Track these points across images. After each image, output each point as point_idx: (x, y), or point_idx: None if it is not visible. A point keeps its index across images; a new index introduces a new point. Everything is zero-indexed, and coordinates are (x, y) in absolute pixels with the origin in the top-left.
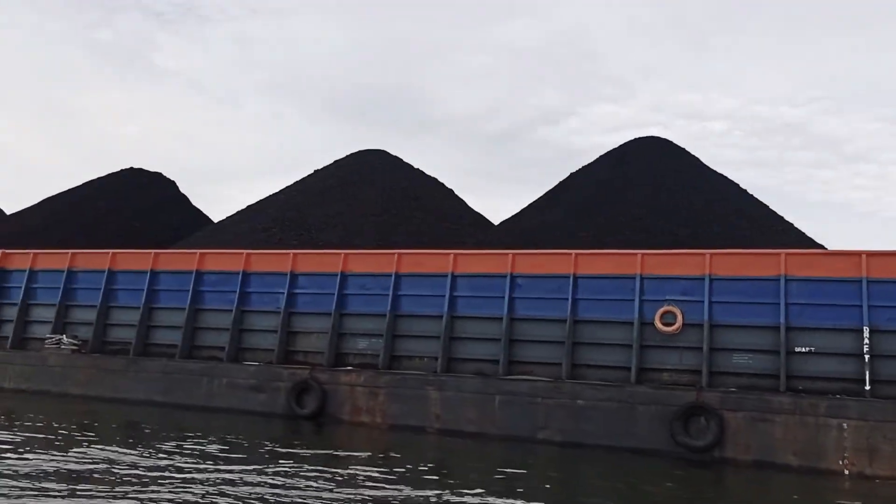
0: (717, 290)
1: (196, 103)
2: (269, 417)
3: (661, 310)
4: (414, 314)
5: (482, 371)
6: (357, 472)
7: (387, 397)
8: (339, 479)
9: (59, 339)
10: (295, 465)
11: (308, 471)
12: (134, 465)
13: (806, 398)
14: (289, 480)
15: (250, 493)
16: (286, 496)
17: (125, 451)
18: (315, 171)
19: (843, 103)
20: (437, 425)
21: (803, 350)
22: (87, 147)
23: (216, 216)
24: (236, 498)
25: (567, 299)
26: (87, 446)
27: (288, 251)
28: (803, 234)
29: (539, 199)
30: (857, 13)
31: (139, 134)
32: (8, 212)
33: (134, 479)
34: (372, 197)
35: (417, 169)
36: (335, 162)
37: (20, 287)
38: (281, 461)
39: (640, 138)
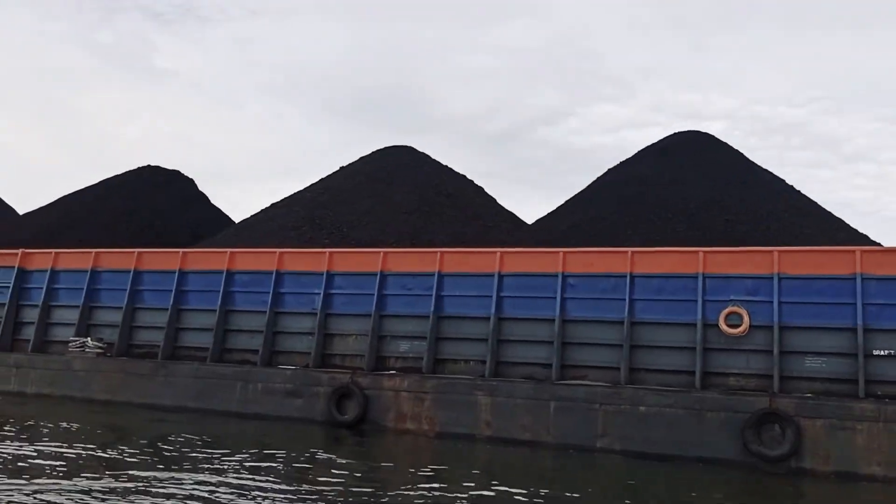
0: (786, 289)
1: (196, 104)
2: (307, 424)
3: (726, 310)
4: (458, 315)
5: (532, 375)
6: (410, 488)
7: (433, 403)
8: (396, 496)
9: (84, 342)
10: (344, 477)
11: (360, 483)
12: (176, 482)
13: (891, 404)
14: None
15: None
16: None
17: (162, 467)
18: (341, 167)
19: (842, 103)
20: (488, 433)
21: (882, 353)
22: (88, 148)
23: (233, 216)
24: None
25: (624, 300)
26: (121, 460)
27: (324, 250)
28: (856, 231)
29: (575, 196)
30: (856, 13)
31: (139, 134)
32: (20, 212)
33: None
34: (402, 194)
35: (445, 165)
36: (361, 158)
37: (41, 288)
38: (334, 471)
39: (681, 132)
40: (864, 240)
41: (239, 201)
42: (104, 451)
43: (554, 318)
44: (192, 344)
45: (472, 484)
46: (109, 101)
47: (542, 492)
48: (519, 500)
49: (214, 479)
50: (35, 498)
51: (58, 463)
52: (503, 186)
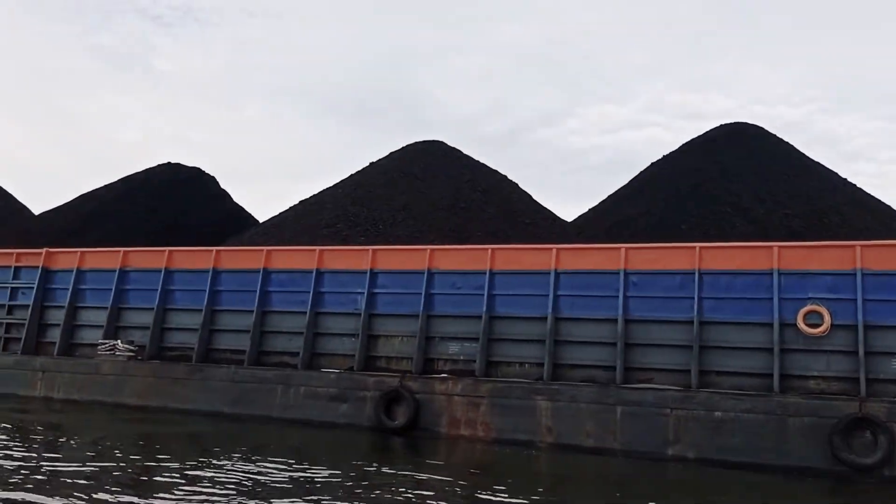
0: (869, 286)
1: (196, 106)
2: (353, 430)
3: (805, 309)
4: (512, 315)
5: (593, 378)
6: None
7: (489, 408)
8: None
9: (114, 345)
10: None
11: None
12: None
13: None
14: None
15: None
16: None
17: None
18: (371, 163)
19: (841, 103)
20: (549, 439)
21: None
22: (88, 150)
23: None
24: None
25: (692, 298)
26: (169, 479)
27: (366, 247)
28: None
29: (617, 191)
30: (855, 12)
31: (139, 137)
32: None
33: None
34: (438, 190)
35: (478, 161)
36: (390, 154)
37: (67, 289)
38: (389, 480)
39: (728, 124)
40: None
41: (243, 203)
42: (142, 464)
43: (616, 318)
44: (226, 346)
45: (542, 494)
46: (109, 104)
47: None
48: None
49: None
50: None
51: (92, 482)
52: None
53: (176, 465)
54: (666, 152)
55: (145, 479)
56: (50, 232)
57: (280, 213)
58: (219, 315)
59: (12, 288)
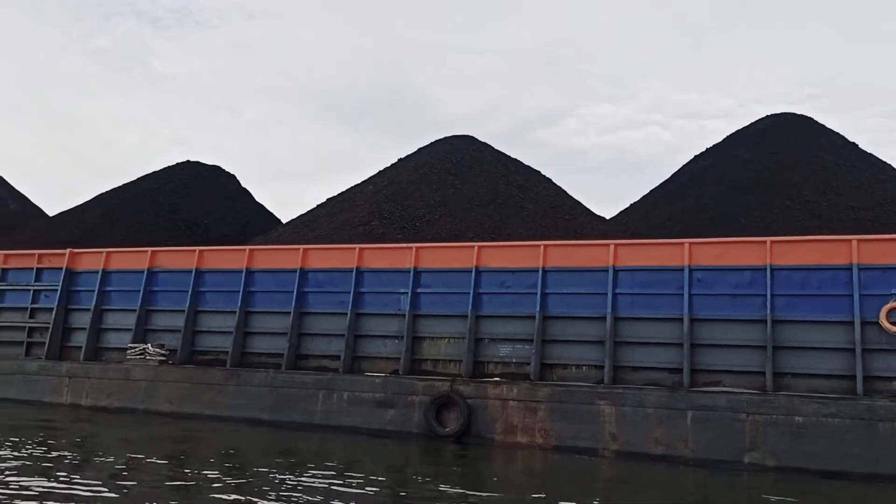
0: None
1: (195, 108)
2: (402, 437)
3: (888, 306)
4: (567, 315)
5: (656, 381)
6: None
7: (548, 414)
8: None
9: (144, 349)
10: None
11: None
12: None
13: None
14: None
15: None
16: None
17: None
18: (399, 159)
19: (840, 100)
20: (614, 447)
21: None
22: (88, 153)
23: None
24: None
25: (764, 295)
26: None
27: (409, 245)
28: None
29: (657, 188)
30: (852, 10)
31: (139, 140)
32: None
33: None
34: (474, 186)
35: (509, 155)
36: (419, 150)
37: (92, 291)
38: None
39: (776, 115)
40: None
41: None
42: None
43: (681, 318)
44: (262, 350)
45: None
46: (108, 107)
47: None
48: None
49: None
50: None
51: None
52: None
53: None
54: (696, 148)
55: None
56: (71, 232)
57: (309, 211)
58: (253, 317)
59: (34, 290)
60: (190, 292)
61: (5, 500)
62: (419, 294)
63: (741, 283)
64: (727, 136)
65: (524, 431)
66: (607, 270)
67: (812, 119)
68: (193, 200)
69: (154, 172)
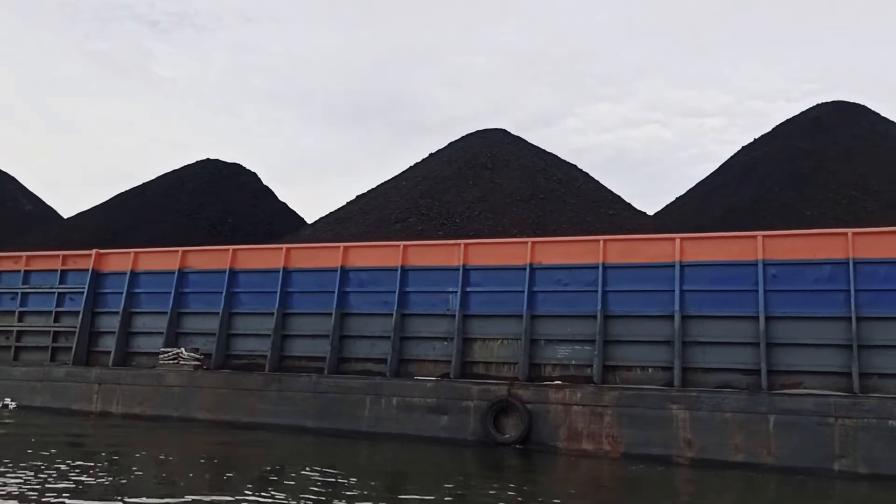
0: None
1: (194, 111)
2: (456, 445)
3: None
4: (631, 314)
5: (729, 383)
6: None
7: (616, 419)
8: None
9: (178, 354)
10: None
11: None
12: None
13: None
14: None
15: None
16: None
17: None
18: (430, 154)
19: (839, 96)
20: (689, 454)
21: None
22: (88, 157)
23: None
24: None
25: (847, 291)
26: None
27: (457, 241)
28: None
29: (705, 181)
30: (851, 7)
31: (138, 143)
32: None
33: None
34: (513, 180)
35: (544, 149)
36: (450, 144)
37: (120, 293)
38: None
39: (828, 103)
40: None
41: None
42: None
43: (756, 315)
44: (301, 353)
45: None
46: (107, 110)
47: None
48: None
49: None
50: None
51: None
52: None
53: None
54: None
55: None
56: (92, 233)
57: (339, 209)
58: (291, 319)
59: (59, 293)
60: (224, 294)
61: None
62: (469, 293)
63: (821, 277)
64: (777, 126)
65: (590, 438)
66: (673, 266)
67: (866, 107)
68: (216, 199)
69: (173, 171)
